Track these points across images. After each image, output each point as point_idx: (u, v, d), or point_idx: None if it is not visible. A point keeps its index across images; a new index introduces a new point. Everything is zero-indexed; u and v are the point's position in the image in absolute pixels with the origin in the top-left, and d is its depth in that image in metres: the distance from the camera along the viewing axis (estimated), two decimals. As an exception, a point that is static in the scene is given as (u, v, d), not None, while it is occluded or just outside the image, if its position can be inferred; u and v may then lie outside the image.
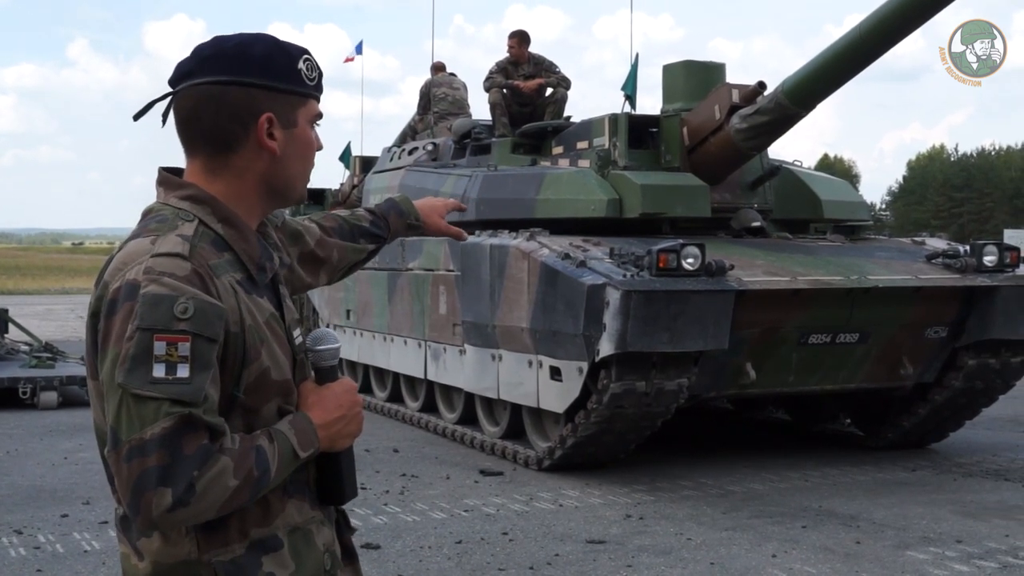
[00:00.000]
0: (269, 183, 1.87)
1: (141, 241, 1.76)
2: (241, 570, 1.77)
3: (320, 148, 1.95)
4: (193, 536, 1.75)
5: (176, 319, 1.65)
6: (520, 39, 10.54)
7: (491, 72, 10.46)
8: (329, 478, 1.91)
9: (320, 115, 1.92)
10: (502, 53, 10.70)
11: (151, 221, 1.81)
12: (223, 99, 1.81)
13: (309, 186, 2.23)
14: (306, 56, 1.88)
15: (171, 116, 1.90)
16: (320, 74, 1.91)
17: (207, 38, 1.89)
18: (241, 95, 1.81)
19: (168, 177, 1.87)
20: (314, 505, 1.89)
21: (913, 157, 79.10)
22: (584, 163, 8.81)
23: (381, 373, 10.79)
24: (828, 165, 70.68)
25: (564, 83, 10.53)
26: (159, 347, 1.65)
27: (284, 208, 2.03)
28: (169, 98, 1.87)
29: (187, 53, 1.87)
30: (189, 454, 1.63)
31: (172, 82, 1.86)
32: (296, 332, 1.91)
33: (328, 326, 11.35)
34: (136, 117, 1.93)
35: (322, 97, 1.94)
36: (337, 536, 1.97)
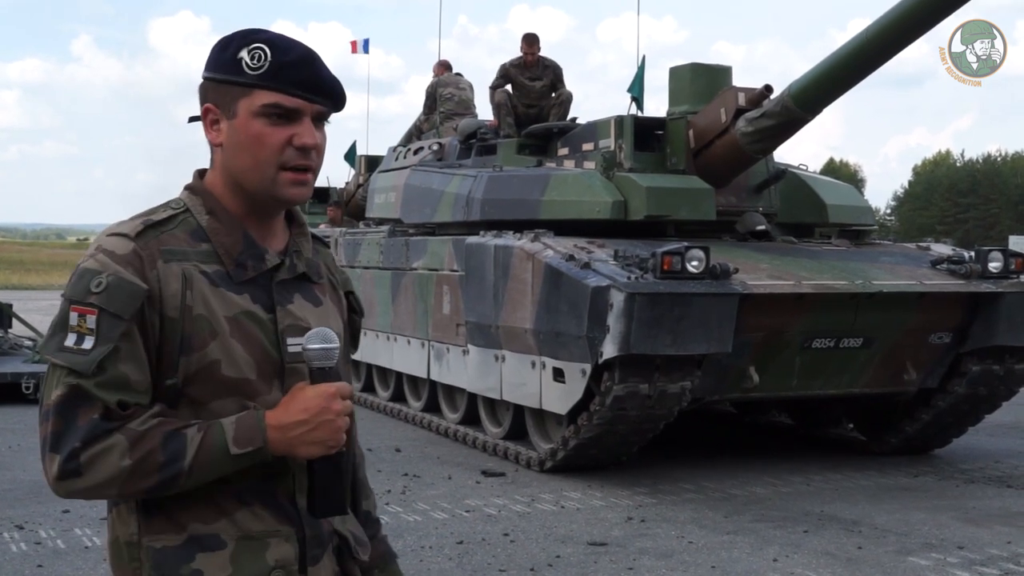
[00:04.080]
0: (228, 175, 1.87)
1: (112, 224, 1.85)
2: (167, 560, 1.77)
3: (313, 144, 1.83)
4: (136, 517, 1.79)
5: (90, 292, 1.72)
6: (530, 43, 10.52)
7: (498, 75, 10.47)
8: (309, 488, 1.82)
9: (268, 104, 1.79)
10: (506, 54, 10.73)
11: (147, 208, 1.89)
12: (198, 93, 1.89)
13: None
14: (255, 46, 1.80)
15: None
16: (273, 63, 1.79)
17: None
18: (201, 89, 1.88)
19: (196, 172, 1.96)
20: (281, 519, 1.83)
21: (919, 162, 79.05)
22: (589, 165, 8.81)
23: (384, 372, 10.79)
24: (833, 169, 70.62)
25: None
26: (73, 317, 1.72)
27: (272, 204, 1.89)
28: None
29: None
30: (79, 425, 1.69)
31: None
32: (296, 340, 1.83)
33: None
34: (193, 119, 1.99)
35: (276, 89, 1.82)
36: (340, 563, 1.93)
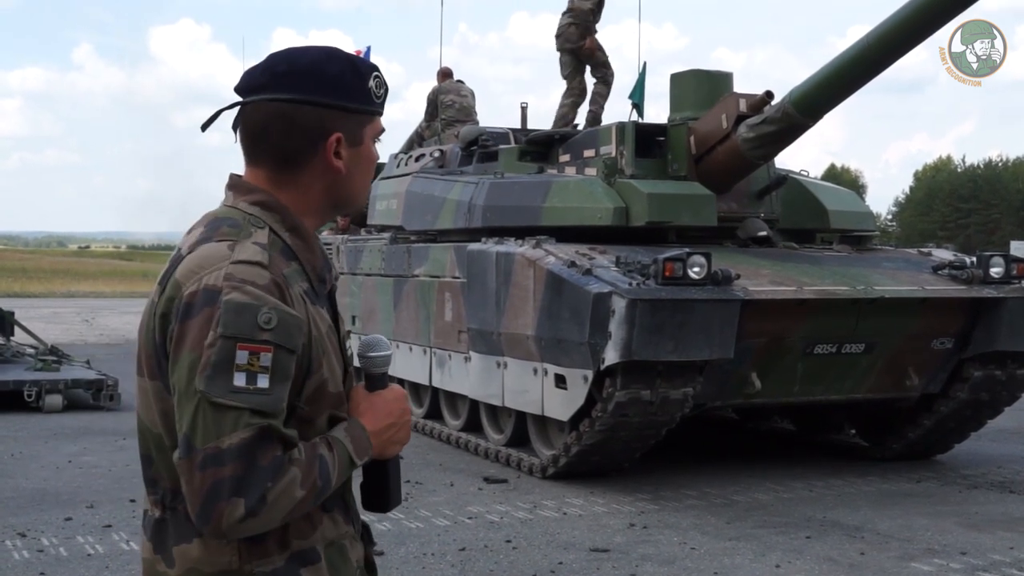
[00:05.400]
0: (332, 198, 1.88)
1: (216, 246, 1.75)
2: None
3: (377, 159, 1.95)
4: (235, 546, 1.74)
5: (260, 329, 1.66)
6: None
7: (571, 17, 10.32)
8: (376, 486, 1.91)
9: (383, 130, 1.92)
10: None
11: (222, 224, 1.80)
12: (295, 118, 1.81)
13: None
14: (376, 73, 1.87)
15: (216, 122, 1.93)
16: (386, 90, 1.90)
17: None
18: (313, 115, 1.81)
19: (239, 181, 1.87)
20: (347, 519, 1.88)
21: (920, 168, 79.05)
22: (591, 171, 8.81)
23: (386, 379, 10.78)
24: (835, 175, 70.67)
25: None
26: (241, 356, 1.65)
27: (342, 215, 2.08)
28: (237, 108, 1.87)
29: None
30: (264, 465, 1.64)
31: (240, 91, 1.86)
32: (348, 344, 1.92)
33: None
34: (204, 127, 1.94)
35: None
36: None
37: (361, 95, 1.84)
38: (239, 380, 1.64)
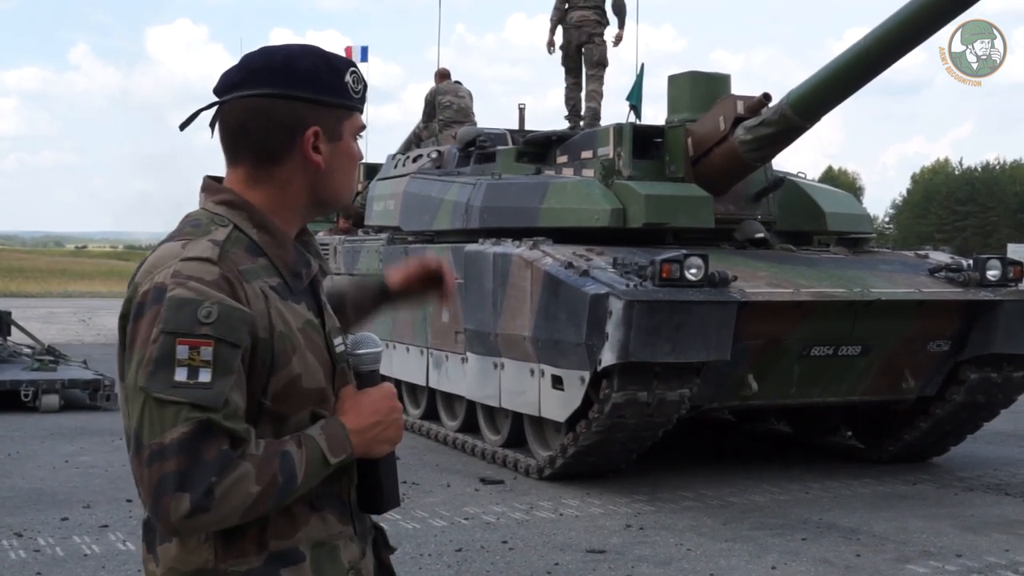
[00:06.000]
0: (313, 194, 1.87)
1: (172, 245, 1.76)
2: None
3: (361, 158, 1.94)
4: (211, 544, 1.74)
5: (199, 323, 1.66)
6: None
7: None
8: (368, 486, 1.89)
9: (363, 127, 1.92)
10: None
11: (186, 225, 1.81)
12: (270, 113, 1.81)
13: None
14: (352, 69, 1.87)
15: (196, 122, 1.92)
16: (365, 86, 1.91)
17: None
18: (288, 109, 1.81)
19: (209, 183, 1.88)
20: (343, 520, 1.86)
21: (917, 171, 79.12)
22: (588, 173, 8.82)
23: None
24: (832, 177, 70.70)
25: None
26: (181, 351, 1.65)
27: (328, 213, 2.05)
28: (215, 108, 1.86)
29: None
30: (208, 459, 1.63)
31: (218, 92, 1.86)
32: (337, 340, 1.89)
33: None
34: (182, 127, 1.94)
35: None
36: (375, 553, 1.96)
37: (337, 89, 1.85)
38: (180, 375, 1.64)
